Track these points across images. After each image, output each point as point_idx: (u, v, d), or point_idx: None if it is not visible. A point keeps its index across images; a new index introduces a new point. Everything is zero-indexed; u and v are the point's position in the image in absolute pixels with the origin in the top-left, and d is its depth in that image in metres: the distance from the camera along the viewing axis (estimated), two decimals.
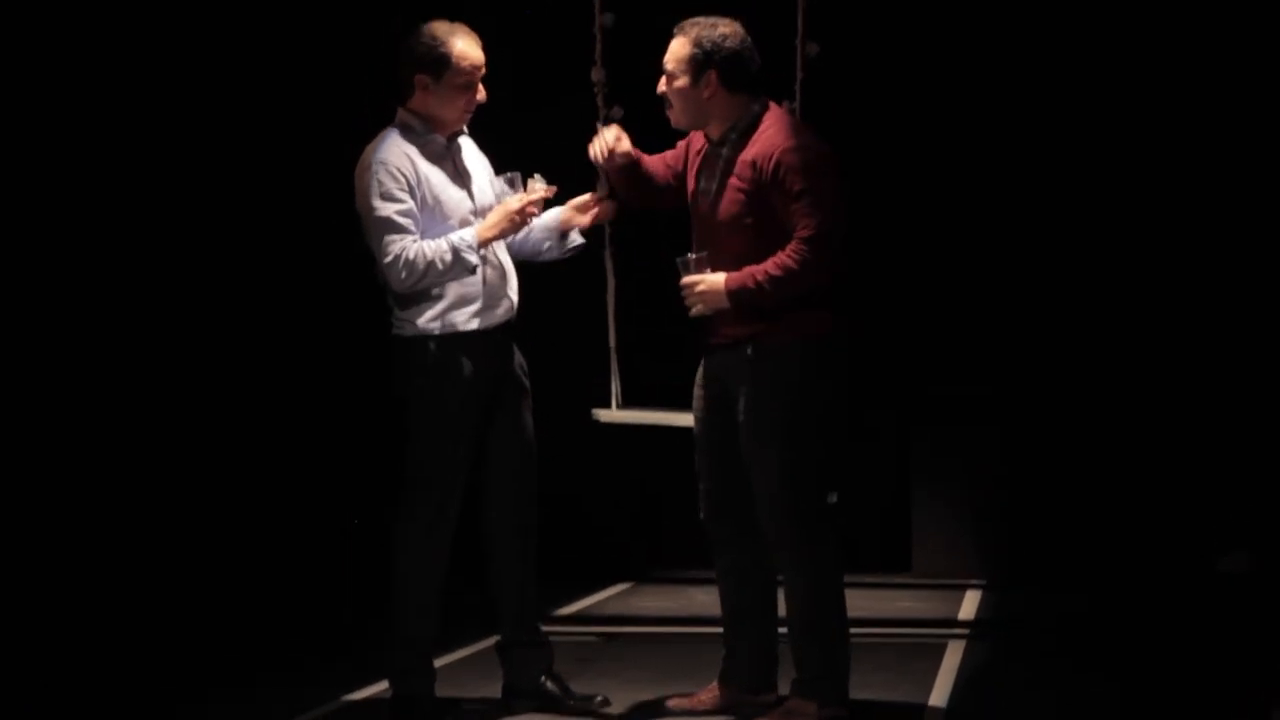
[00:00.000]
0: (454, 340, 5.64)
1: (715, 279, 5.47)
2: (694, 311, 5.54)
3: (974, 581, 8.33)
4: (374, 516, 7.52)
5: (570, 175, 6.03)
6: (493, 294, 5.71)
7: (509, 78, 6.04)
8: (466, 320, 5.66)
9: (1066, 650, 6.94)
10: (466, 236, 5.60)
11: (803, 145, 5.44)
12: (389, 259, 5.54)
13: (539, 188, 5.69)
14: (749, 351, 5.49)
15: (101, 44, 7.78)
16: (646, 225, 6.52)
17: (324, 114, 7.98)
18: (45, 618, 7.39)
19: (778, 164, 5.40)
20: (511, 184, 5.74)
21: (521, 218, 5.67)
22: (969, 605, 7.90)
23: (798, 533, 5.51)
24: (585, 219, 5.89)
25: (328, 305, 8.20)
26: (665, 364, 6.65)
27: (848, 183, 5.55)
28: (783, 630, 5.72)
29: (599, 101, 6.84)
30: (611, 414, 6.91)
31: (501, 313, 5.74)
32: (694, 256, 5.57)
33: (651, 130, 5.96)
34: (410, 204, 5.57)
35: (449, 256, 5.55)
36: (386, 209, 5.54)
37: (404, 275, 5.54)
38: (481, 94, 5.69)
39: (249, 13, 8.11)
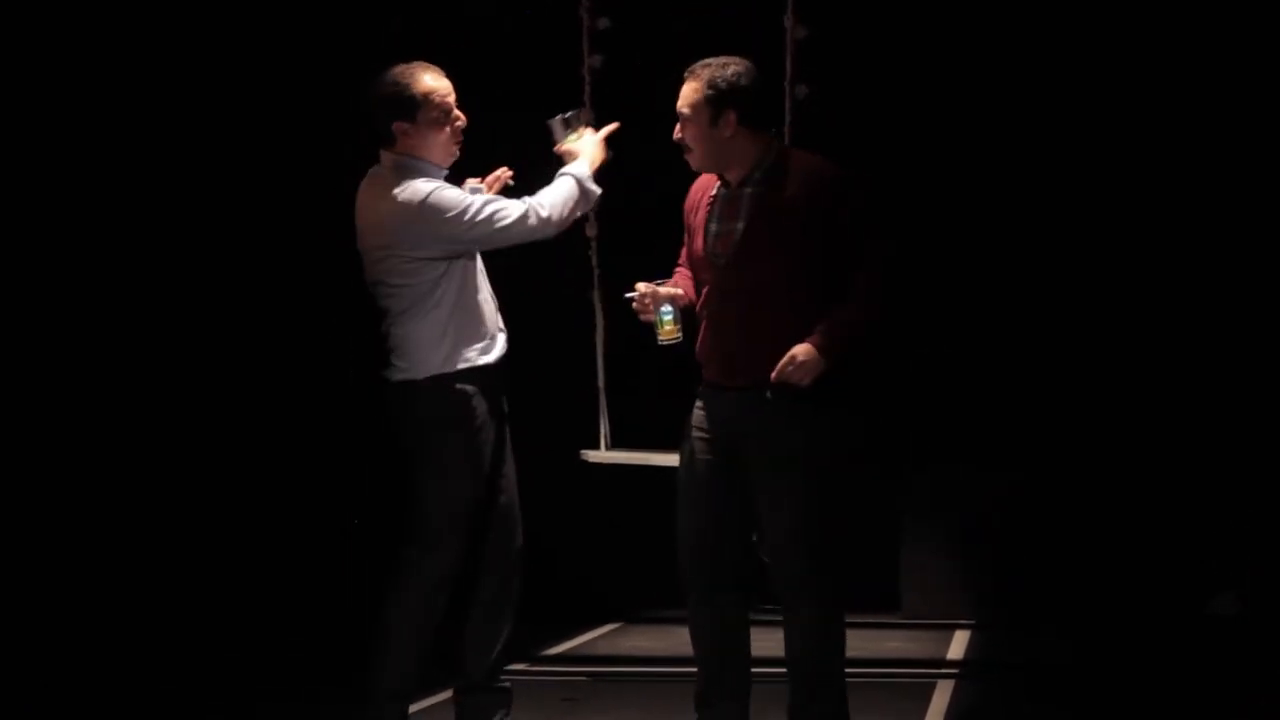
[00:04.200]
0: (470, 377, 5.48)
1: (803, 349, 5.22)
2: (802, 384, 5.24)
3: (963, 622, 8.32)
4: (374, 516, 7.56)
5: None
6: (494, 328, 5.60)
7: (499, 119, 6.01)
8: (479, 355, 5.51)
9: (1055, 691, 6.94)
10: (575, 170, 5.56)
11: (856, 176, 5.33)
12: (518, 217, 5.44)
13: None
14: (768, 394, 5.28)
15: (94, 66, 7.92)
16: (635, 265, 6.51)
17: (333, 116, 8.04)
18: (45, 617, 7.43)
19: (838, 195, 5.29)
20: (568, 123, 5.68)
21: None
22: (958, 645, 7.89)
23: (820, 574, 5.42)
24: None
25: (328, 306, 8.19)
26: (653, 404, 6.64)
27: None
28: (767, 670, 5.67)
29: None
30: (600, 454, 6.91)
31: (500, 346, 5.61)
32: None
33: (641, 172, 5.96)
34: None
35: (575, 187, 5.51)
36: (474, 202, 5.44)
37: (547, 215, 5.46)
38: (461, 119, 5.62)
39: (250, 44, 8.20)
